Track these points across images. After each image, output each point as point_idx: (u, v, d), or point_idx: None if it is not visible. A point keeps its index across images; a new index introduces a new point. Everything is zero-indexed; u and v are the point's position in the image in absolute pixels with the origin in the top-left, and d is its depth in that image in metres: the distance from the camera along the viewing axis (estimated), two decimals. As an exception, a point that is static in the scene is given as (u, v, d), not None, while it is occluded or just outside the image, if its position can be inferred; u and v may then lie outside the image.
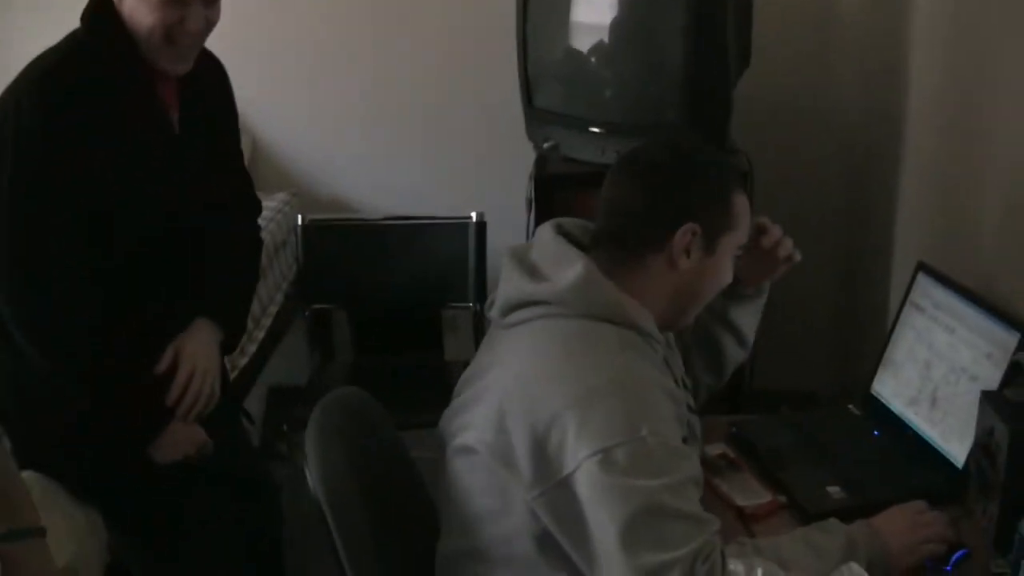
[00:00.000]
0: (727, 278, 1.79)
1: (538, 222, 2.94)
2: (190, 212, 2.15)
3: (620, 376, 1.59)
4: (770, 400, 2.25)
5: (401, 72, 3.58)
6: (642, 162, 1.76)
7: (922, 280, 2.17)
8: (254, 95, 3.05)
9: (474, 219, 3.28)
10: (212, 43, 2.13)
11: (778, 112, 3.36)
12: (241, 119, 2.39)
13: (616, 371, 1.60)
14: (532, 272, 1.73)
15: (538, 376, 1.61)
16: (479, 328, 3.31)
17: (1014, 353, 1.84)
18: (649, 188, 1.73)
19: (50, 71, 2.00)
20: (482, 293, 3.27)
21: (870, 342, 2.73)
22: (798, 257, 1.94)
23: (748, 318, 2.02)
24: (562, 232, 1.77)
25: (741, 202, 1.76)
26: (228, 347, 2.28)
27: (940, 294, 2.09)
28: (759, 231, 1.90)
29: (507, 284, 1.75)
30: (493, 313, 1.77)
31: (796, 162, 3.31)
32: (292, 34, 3.60)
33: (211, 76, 2.23)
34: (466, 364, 3.55)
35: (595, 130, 2.90)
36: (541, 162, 3.02)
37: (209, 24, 2.04)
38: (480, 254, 3.29)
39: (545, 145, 3.00)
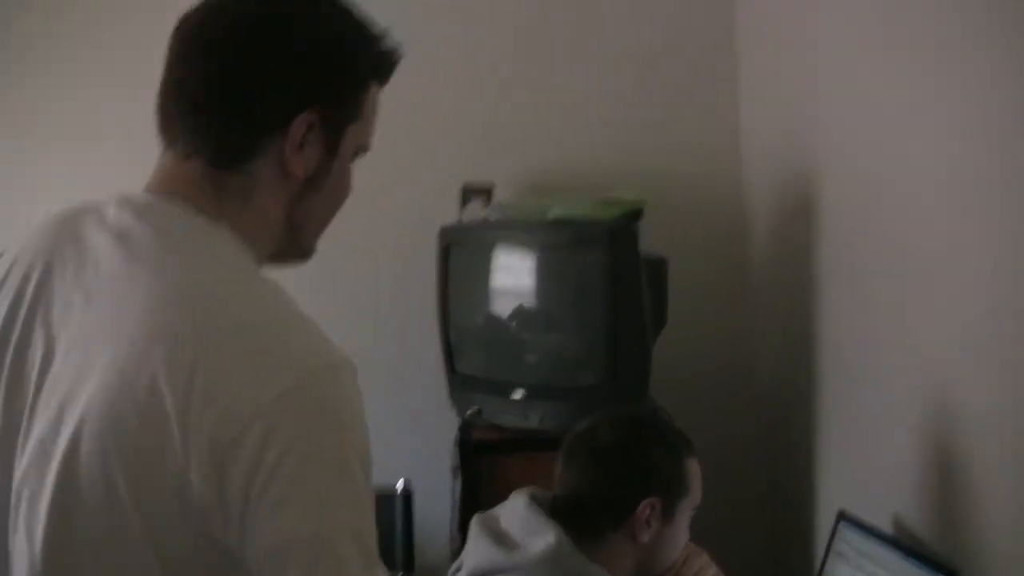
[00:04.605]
0: (684, 539, 1.85)
1: (464, 489, 2.93)
2: None
3: None
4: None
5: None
6: (594, 446, 1.79)
7: (843, 529, 2.19)
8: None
9: (399, 490, 3.23)
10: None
11: (695, 371, 3.45)
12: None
13: None
14: (501, 540, 1.72)
15: None
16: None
17: (938, 596, 1.86)
18: (605, 473, 1.76)
19: None
20: (410, 563, 3.20)
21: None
22: None
23: None
24: (535, 502, 1.77)
25: (693, 466, 1.83)
26: None
27: (862, 542, 2.11)
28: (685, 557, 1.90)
29: (475, 552, 1.74)
30: None
31: (714, 420, 3.36)
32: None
33: None
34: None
35: (517, 396, 2.93)
36: (465, 428, 3.03)
37: None
38: (407, 524, 3.23)
39: (468, 412, 3.01)
